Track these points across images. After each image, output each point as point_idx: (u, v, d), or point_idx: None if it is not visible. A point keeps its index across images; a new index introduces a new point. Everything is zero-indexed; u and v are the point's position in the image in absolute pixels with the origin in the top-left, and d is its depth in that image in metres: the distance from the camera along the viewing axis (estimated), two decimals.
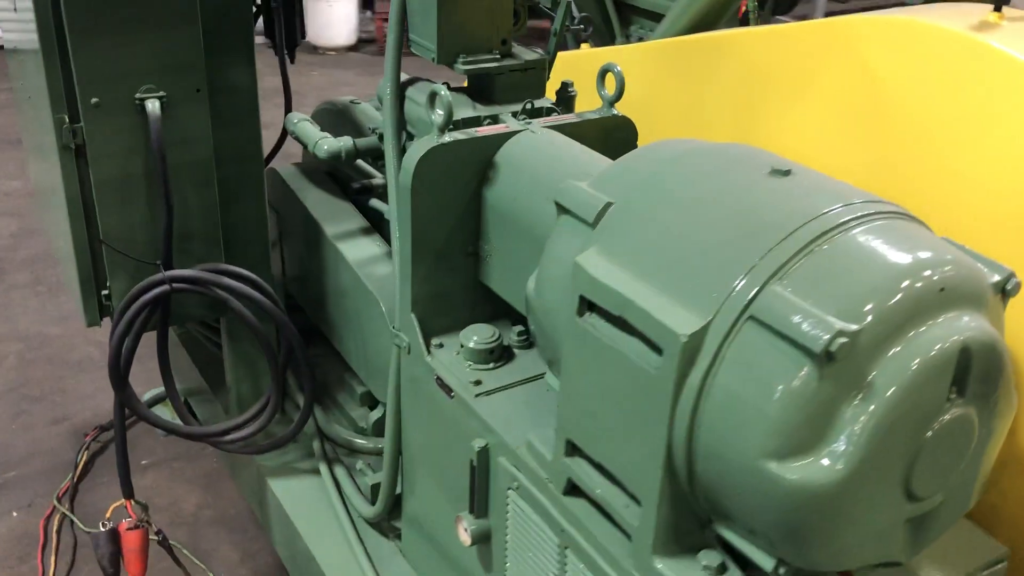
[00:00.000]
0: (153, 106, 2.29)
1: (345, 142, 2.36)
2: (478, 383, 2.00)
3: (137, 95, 2.29)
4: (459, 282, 2.16)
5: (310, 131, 2.47)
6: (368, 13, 9.85)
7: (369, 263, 2.60)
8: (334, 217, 2.79)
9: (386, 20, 2.26)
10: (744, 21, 3.17)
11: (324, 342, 2.96)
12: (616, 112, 2.21)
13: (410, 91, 2.27)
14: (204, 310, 2.62)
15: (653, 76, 2.72)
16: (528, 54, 2.27)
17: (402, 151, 2.23)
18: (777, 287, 1.31)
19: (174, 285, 2.41)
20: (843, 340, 1.21)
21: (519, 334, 2.13)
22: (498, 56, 2.22)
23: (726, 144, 1.67)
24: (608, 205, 1.59)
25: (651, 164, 1.64)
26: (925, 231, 1.45)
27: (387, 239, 2.66)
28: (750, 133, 2.48)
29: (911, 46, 2.06)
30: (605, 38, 3.77)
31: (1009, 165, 1.84)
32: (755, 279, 1.33)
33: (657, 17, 3.42)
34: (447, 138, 1.98)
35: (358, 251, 2.65)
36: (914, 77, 2.05)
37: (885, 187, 2.16)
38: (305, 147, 2.57)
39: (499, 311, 2.22)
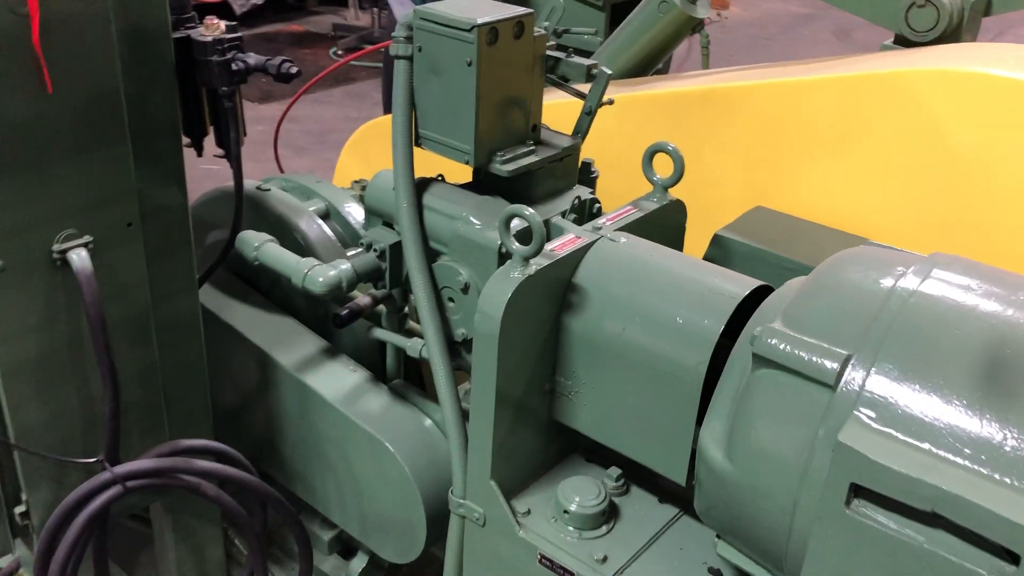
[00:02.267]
0: (80, 257, 1.67)
1: (344, 270, 1.85)
2: (605, 560, 1.63)
3: (55, 247, 1.66)
4: (534, 428, 1.77)
5: (286, 258, 1.93)
6: None
7: (356, 398, 2.11)
8: (281, 340, 2.25)
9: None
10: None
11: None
12: (672, 197, 1.90)
13: (429, 199, 1.82)
14: (150, 498, 2.02)
15: (635, 129, 2.42)
16: (558, 137, 1.90)
17: (430, 273, 1.79)
18: None
19: (128, 484, 1.81)
20: None
21: (617, 479, 1.78)
22: (533, 146, 1.83)
23: (965, 262, 1.40)
24: (847, 359, 1.29)
25: (872, 295, 1.35)
26: None
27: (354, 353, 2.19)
28: (767, 189, 2.26)
29: (979, 99, 1.92)
30: None
31: None
32: None
33: (584, 55, 3.09)
34: (533, 268, 1.58)
35: (334, 384, 2.15)
36: (986, 131, 1.92)
37: (958, 243, 2.03)
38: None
39: (567, 447, 1.86)
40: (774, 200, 2.22)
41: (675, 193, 1.91)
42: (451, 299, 1.80)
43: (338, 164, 3.25)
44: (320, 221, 2.41)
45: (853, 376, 1.27)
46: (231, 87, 1.80)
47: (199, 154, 1.95)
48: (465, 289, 1.76)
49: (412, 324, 2.15)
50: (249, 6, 9.42)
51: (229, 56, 1.78)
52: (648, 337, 1.59)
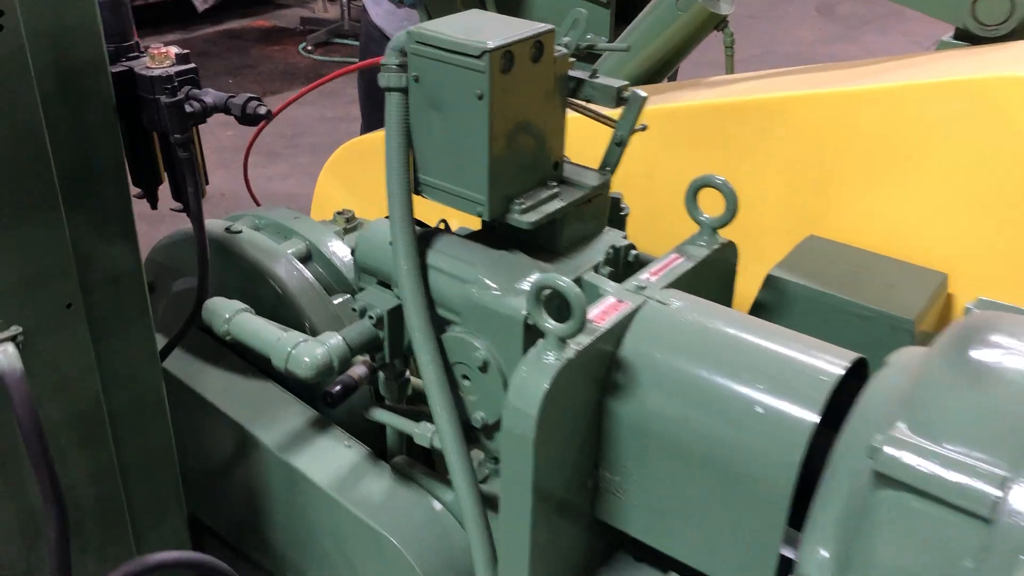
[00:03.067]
0: (6, 355, 1.34)
1: (334, 346, 1.53)
2: None
3: None
4: (575, 529, 1.46)
5: (264, 334, 1.61)
6: None
7: (353, 482, 1.79)
8: (263, 413, 1.93)
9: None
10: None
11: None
12: (721, 239, 1.60)
13: (434, 257, 1.50)
14: None
15: (658, 149, 2.11)
16: (584, 173, 1.58)
17: (439, 347, 1.48)
18: None
19: None
20: None
21: None
22: (556, 188, 1.51)
23: None
24: (1006, 482, 0.99)
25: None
26: None
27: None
28: (817, 215, 1.96)
29: None
30: None
31: None
32: None
33: (587, 61, 2.77)
34: (572, 350, 1.27)
35: (327, 465, 1.82)
36: None
37: None
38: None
39: (612, 544, 1.56)
40: (827, 228, 1.92)
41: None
42: (466, 377, 1.49)
43: (316, 189, 2.91)
44: (300, 266, 2.09)
45: (1017, 506, 0.97)
46: (184, 133, 1.47)
47: (153, 206, 1.62)
48: (484, 367, 1.45)
49: (415, 381, 1.83)
50: (212, 2, 9.00)
51: (181, 95, 1.44)
52: (716, 428, 1.29)
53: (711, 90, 2.13)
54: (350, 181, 2.79)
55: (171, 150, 1.53)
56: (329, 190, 2.87)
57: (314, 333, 1.93)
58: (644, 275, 1.48)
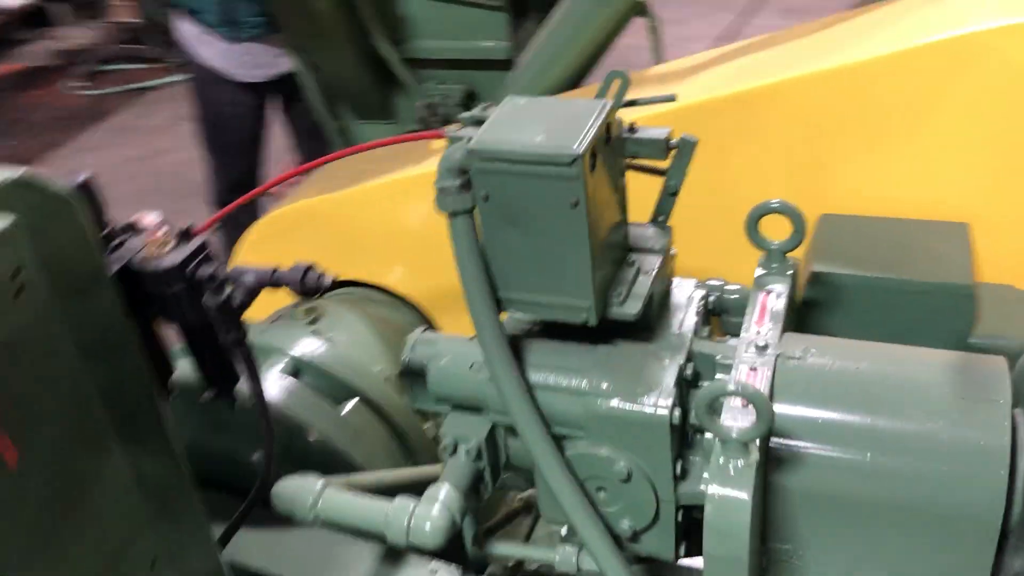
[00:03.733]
0: None
1: (449, 500, 1.34)
2: None
3: None
4: None
5: (365, 509, 1.39)
6: None
7: None
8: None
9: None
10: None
11: None
12: (793, 260, 1.53)
13: (535, 375, 1.35)
14: None
15: None
16: (644, 235, 1.46)
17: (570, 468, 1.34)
18: None
19: None
20: None
21: None
22: (634, 262, 1.39)
23: None
24: None
25: None
26: None
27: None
28: (820, 194, 1.93)
29: None
30: (373, 109, 2.81)
31: None
32: None
33: (451, 64, 2.59)
34: (755, 452, 1.17)
35: None
36: None
37: None
38: None
39: None
40: (834, 204, 1.89)
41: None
42: (601, 488, 1.37)
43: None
44: (294, 385, 1.89)
45: None
46: (238, 331, 1.23)
47: (231, 407, 1.36)
48: (628, 478, 1.33)
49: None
50: None
51: (212, 285, 1.19)
52: (902, 474, 1.23)
53: (683, 86, 2.03)
54: (277, 257, 2.53)
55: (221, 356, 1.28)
56: None
57: (355, 467, 1.76)
58: (751, 328, 1.40)
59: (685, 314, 1.45)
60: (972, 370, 1.28)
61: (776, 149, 1.91)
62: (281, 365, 1.94)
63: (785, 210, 1.48)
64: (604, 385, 1.32)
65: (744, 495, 1.15)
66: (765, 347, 1.35)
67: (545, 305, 1.31)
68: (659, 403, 1.28)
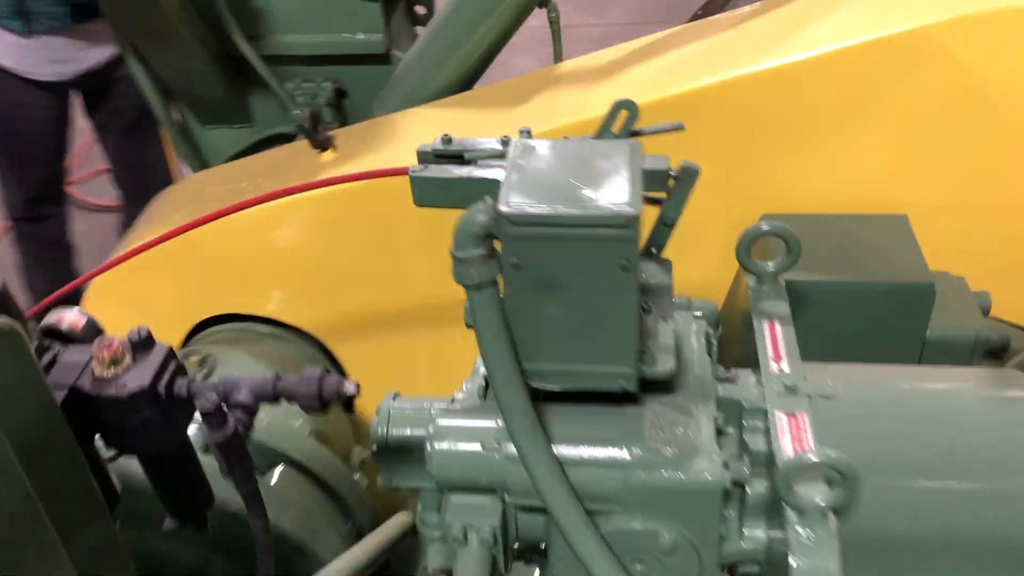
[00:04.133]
0: None
1: None
2: None
3: None
4: None
5: None
6: None
7: None
8: None
9: None
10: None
11: None
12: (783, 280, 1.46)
13: (564, 447, 1.19)
14: None
15: None
16: (651, 272, 1.33)
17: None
18: None
19: None
20: None
21: None
22: (650, 310, 1.26)
23: None
24: None
25: None
26: None
27: None
28: (755, 194, 1.87)
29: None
30: (224, 113, 2.45)
31: None
32: None
33: (318, 60, 2.32)
34: (833, 519, 1.09)
35: None
36: None
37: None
38: None
39: None
40: (771, 204, 1.84)
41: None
42: (640, 562, 1.24)
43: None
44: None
45: None
46: (246, 467, 0.98)
47: (203, 532, 1.10)
48: (672, 550, 1.21)
49: None
50: None
51: (208, 414, 0.94)
52: (962, 510, 1.20)
53: (599, 90, 1.89)
54: (135, 303, 2.19)
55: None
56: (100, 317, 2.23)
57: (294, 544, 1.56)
58: (769, 365, 1.31)
59: (696, 353, 1.34)
60: (1003, 385, 1.26)
61: (710, 152, 1.83)
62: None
63: (780, 231, 1.39)
64: (644, 454, 1.18)
65: (833, 567, 1.06)
66: (794, 387, 1.27)
67: (578, 375, 1.16)
68: (708, 468, 1.17)
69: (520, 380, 1.12)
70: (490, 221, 1.04)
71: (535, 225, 1.02)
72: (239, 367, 1.95)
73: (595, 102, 1.87)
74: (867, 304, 1.67)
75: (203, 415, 1.02)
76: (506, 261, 1.06)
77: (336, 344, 2.15)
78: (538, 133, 1.84)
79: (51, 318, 1.07)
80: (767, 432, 1.24)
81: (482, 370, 1.38)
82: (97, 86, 3.10)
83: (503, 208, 1.02)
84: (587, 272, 1.05)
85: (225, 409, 0.95)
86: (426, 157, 1.34)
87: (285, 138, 2.46)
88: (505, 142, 1.35)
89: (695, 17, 2.83)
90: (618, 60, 1.96)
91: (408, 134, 2.02)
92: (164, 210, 2.18)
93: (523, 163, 1.10)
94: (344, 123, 2.34)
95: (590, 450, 1.20)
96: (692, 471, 1.17)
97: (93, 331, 1.06)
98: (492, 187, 1.29)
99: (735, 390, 1.30)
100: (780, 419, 1.22)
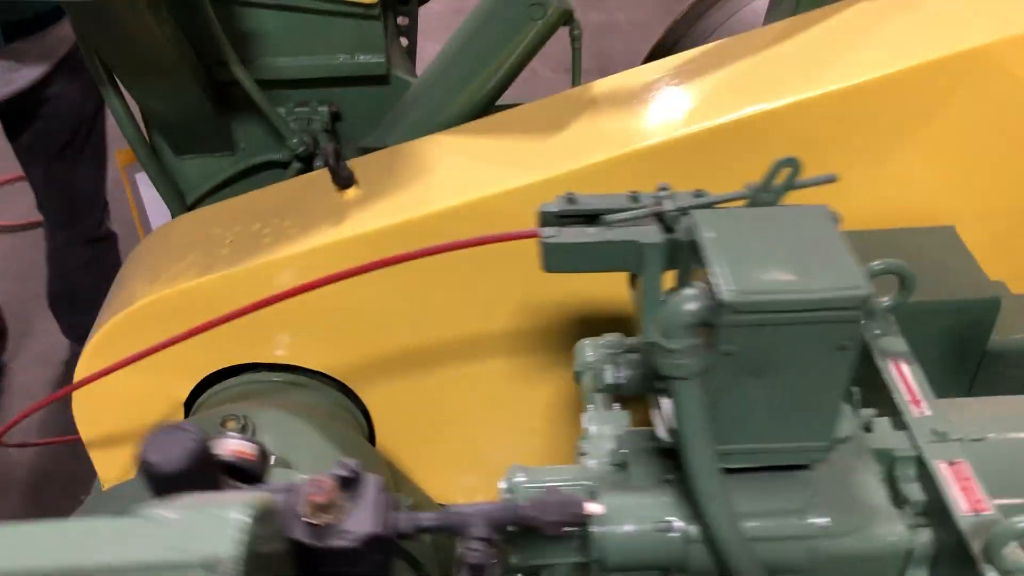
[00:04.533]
0: None
1: None
2: None
3: None
4: None
5: None
6: None
7: None
8: None
9: None
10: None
11: None
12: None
13: (753, 526, 1.15)
14: None
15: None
16: None
17: None
18: None
19: None
20: None
21: None
22: None
23: None
24: None
25: None
26: None
27: None
28: None
29: None
30: (205, 141, 2.22)
31: None
32: None
33: (314, 83, 2.15)
34: None
35: None
36: None
37: None
38: None
39: None
40: None
41: None
42: None
43: (78, 379, 2.05)
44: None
45: None
46: None
47: None
48: None
49: None
50: None
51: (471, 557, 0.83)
52: None
53: (649, 112, 1.82)
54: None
55: None
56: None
57: None
58: (908, 408, 1.30)
59: None
60: None
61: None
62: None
63: (895, 268, 1.38)
64: (825, 523, 1.16)
65: None
66: (944, 434, 1.26)
67: (768, 452, 1.11)
68: (892, 532, 1.15)
69: (717, 468, 1.07)
70: (703, 310, 0.98)
71: (761, 312, 0.97)
72: (279, 426, 1.81)
73: (641, 130, 1.81)
74: (933, 321, 1.68)
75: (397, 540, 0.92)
76: (720, 349, 1.00)
77: (362, 386, 2.04)
78: (585, 165, 1.79)
79: (213, 446, 0.94)
80: (921, 480, 1.24)
81: (604, 432, 1.33)
82: (23, 108, 2.81)
83: (725, 297, 0.96)
84: (804, 354, 1.00)
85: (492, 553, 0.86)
86: (550, 219, 1.26)
87: (270, 166, 2.29)
88: (635, 198, 1.27)
89: (669, 32, 2.78)
90: (652, 82, 1.90)
91: (436, 165, 1.91)
92: (166, 259, 1.99)
93: (718, 239, 1.03)
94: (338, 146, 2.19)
95: (775, 524, 1.16)
96: (877, 537, 1.15)
97: (265, 461, 0.94)
98: (632, 250, 1.23)
99: (879, 439, 1.29)
100: (942, 470, 1.22)
